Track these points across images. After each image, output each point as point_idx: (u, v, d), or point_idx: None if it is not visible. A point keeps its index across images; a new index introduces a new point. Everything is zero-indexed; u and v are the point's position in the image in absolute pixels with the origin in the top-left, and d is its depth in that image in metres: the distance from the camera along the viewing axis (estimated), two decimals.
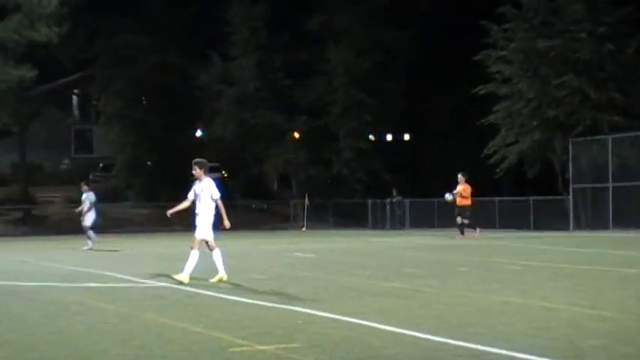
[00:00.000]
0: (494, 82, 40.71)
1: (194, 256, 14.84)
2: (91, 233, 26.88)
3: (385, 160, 49.85)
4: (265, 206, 53.71)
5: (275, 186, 57.96)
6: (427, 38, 49.89)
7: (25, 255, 24.95)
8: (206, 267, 15.42)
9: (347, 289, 13.84)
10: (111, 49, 50.89)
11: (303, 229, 44.76)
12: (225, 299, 12.55)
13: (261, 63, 51.24)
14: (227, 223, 14.94)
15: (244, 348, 8.40)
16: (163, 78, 50.60)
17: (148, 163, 52.53)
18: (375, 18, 50.43)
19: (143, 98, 53.08)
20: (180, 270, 14.93)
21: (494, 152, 40.60)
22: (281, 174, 54.97)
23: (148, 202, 48.88)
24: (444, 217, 39.46)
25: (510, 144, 40.25)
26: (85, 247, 26.31)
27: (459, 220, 30.55)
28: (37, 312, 11.51)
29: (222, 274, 14.94)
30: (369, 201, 47.74)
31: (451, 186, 31.48)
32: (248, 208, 53.15)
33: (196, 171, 14.98)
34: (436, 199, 40.99)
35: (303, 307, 11.30)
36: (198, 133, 57.65)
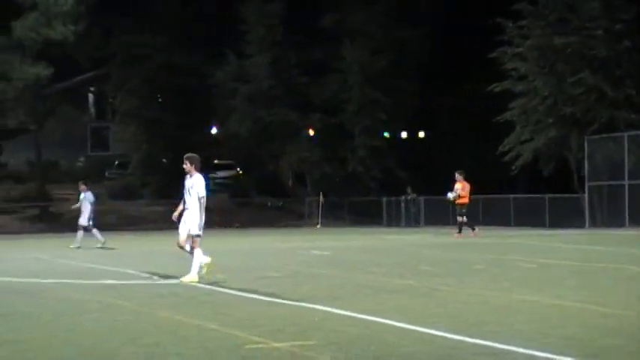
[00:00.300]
0: (510, 79, 40.58)
1: (197, 254, 14.70)
2: (80, 233, 26.76)
3: (400, 157, 49.78)
4: (280, 204, 53.73)
5: (290, 183, 57.95)
6: (442, 36, 49.78)
7: (41, 252, 25.04)
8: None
9: (363, 286, 13.83)
10: (126, 47, 50.97)
11: (318, 226, 44.76)
12: (241, 297, 12.55)
13: (276, 61, 51.24)
14: (202, 223, 14.69)
15: (260, 345, 8.40)
16: (178, 76, 50.66)
17: (164, 160, 52.59)
18: (389, 16, 50.35)
19: (159, 96, 53.15)
20: (188, 271, 14.75)
21: (510, 150, 40.45)
22: (296, 172, 54.97)
23: (163, 199, 48.98)
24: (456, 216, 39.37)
25: (525, 141, 40.10)
26: (98, 245, 26.23)
27: (459, 218, 30.47)
28: (52, 309, 11.54)
29: (200, 268, 14.70)
30: (384, 199, 47.69)
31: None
32: (263, 205, 53.20)
33: (187, 166, 14.87)
34: None
35: (319, 304, 11.29)
36: (214, 131, 57.70)
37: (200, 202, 14.65)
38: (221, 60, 51.72)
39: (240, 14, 51.12)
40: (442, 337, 8.77)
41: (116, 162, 60.07)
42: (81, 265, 19.73)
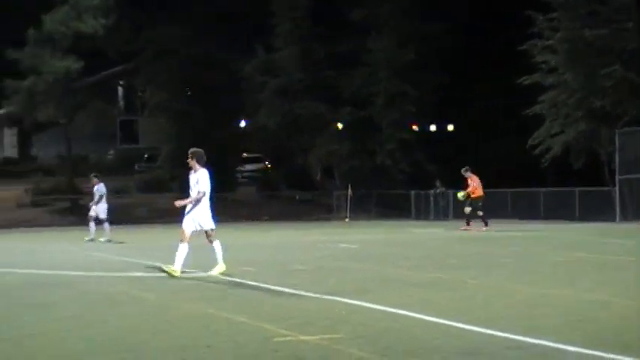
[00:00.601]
0: (540, 72, 40.32)
1: (217, 246, 14.79)
2: (106, 225, 26.87)
3: (428, 150, 49.63)
4: (309, 197, 53.75)
5: (318, 177, 57.95)
6: (471, 28, 49.53)
7: (71, 245, 25.24)
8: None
9: (391, 280, 13.82)
10: (156, 41, 51.15)
11: (346, 220, 44.75)
12: (269, 290, 12.58)
13: (304, 54, 51.24)
14: (179, 203, 14.89)
15: (288, 338, 8.42)
16: (207, 70, 50.78)
17: None
18: (416, 8, 50.14)
19: (187, 89, 53.31)
20: (216, 263, 14.79)
21: (539, 143, 40.22)
22: (324, 165, 54.95)
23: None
24: (486, 208, 39.20)
25: (555, 135, 39.85)
26: (102, 239, 26.21)
27: (479, 213, 30.48)
28: (83, 301, 11.63)
29: (177, 268, 14.47)
30: (413, 192, 47.58)
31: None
32: (291, 198, 53.25)
33: (191, 161, 14.85)
34: None
35: (347, 298, 11.30)
36: (242, 124, 57.80)
37: (198, 195, 14.61)
38: (250, 53, 51.78)
39: (268, 7, 51.15)
40: (470, 330, 8.75)
41: (145, 155, 60.34)
42: (110, 257, 19.86)
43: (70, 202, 47.79)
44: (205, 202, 14.77)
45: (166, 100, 52.00)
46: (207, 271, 14.85)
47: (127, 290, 12.84)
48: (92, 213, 26.99)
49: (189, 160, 14.91)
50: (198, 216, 14.74)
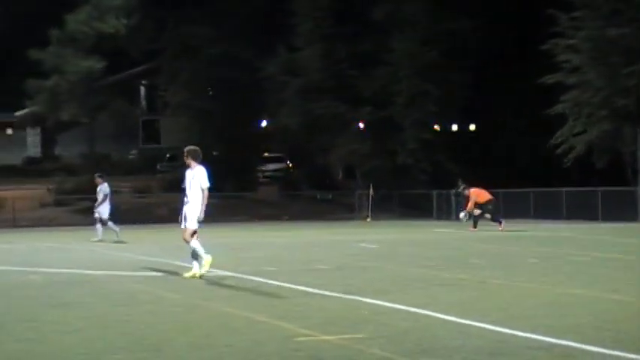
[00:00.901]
0: (563, 71, 40.15)
1: (196, 245, 14.45)
2: (111, 224, 26.87)
3: (450, 150, 49.50)
4: (330, 196, 53.74)
5: (340, 176, 57.92)
6: (493, 27, 49.33)
7: (94, 244, 25.33)
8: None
9: (412, 280, 13.80)
10: (177, 40, 51.31)
11: (368, 219, 44.71)
12: (290, 289, 12.58)
13: (326, 53, 51.20)
14: (201, 216, 14.57)
15: (309, 338, 8.42)
16: (229, 69, 50.84)
17: (214, 153, 52.89)
18: (439, 7, 50.01)
19: (209, 89, 53.41)
20: (194, 264, 14.49)
21: (562, 142, 40.05)
22: (346, 164, 54.91)
23: (213, 192, 49.20)
24: (508, 209, 39.07)
25: (578, 134, 39.68)
26: (94, 239, 26.17)
27: (487, 215, 30.43)
28: (106, 300, 11.68)
29: (195, 270, 14.39)
30: (434, 192, 47.46)
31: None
32: (313, 198, 53.25)
33: (187, 159, 14.75)
34: (501, 190, 40.57)
35: (368, 297, 11.29)
36: (264, 124, 57.84)
37: (203, 194, 14.52)
38: (271, 53, 51.83)
39: (289, 7, 51.19)
40: (492, 330, 8.72)
41: (167, 155, 60.51)
42: (132, 256, 19.93)
43: (92, 201, 47.89)
44: (198, 201, 14.55)
45: (189, 99, 52.11)
46: (225, 270, 14.86)
47: (148, 289, 12.89)
48: (97, 215, 26.94)
49: (185, 158, 14.78)
50: (188, 213, 14.55)
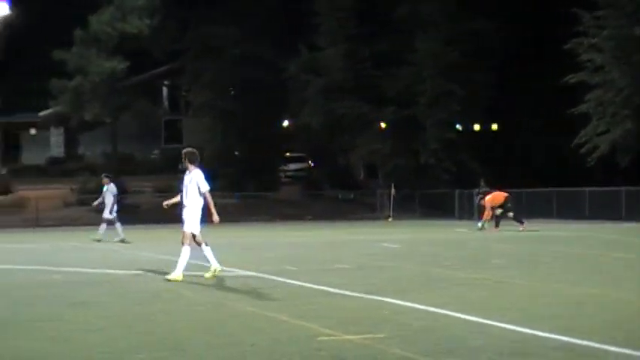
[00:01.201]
0: (586, 70, 39.97)
1: (185, 252, 14.16)
2: (103, 226, 26.96)
3: (473, 150, 49.37)
4: (352, 196, 53.74)
5: (361, 176, 57.92)
6: (516, 27, 49.16)
7: (117, 244, 25.46)
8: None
9: (433, 279, 13.81)
10: (200, 40, 51.46)
11: (390, 219, 44.68)
12: (312, 289, 12.62)
13: (348, 53, 51.22)
14: (216, 217, 14.35)
15: (331, 337, 8.46)
16: (251, 69, 50.95)
17: (236, 153, 53.02)
18: (462, 7, 49.90)
19: (232, 89, 53.54)
20: (174, 268, 14.27)
21: (585, 142, 39.88)
22: (368, 164, 54.89)
23: (235, 191, 49.35)
24: (532, 208, 38.95)
25: (602, 133, 39.50)
26: (116, 239, 26.21)
27: (510, 214, 30.40)
28: (128, 300, 11.76)
29: (215, 266, 14.33)
30: (456, 191, 47.37)
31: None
32: (334, 198, 53.26)
33: (184, 162, 14.42)
34: (524, 190, 40.47)
35: (389, 297, 11.31)
36: (285, 124, 57.90)
37: (206, 197, 14.26)
38: (293, 53, 51.90)
39: (311, 7, 51.23)
40: (512, 330, 8.73)
41: None
42: (154, 256, 20.03)
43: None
44: (198, 205, 14.34)
45: (211, 99, 52.26)
46: (247, 269, 14.91)
47: (170, 288, 12.96)
48: (107, 215, 26.94)
49: (183, 160, 14.48)
50: (188, 217, 14.32)
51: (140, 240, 26.65)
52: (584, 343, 7.96)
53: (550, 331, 8.50)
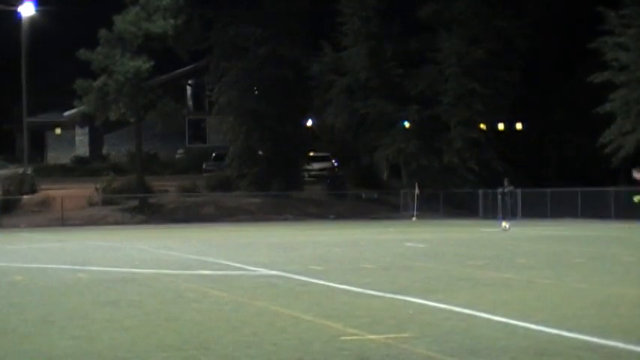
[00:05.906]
0: (611, 69, 39.71)
1: None
2: None
3: (497, 149, 49.19)
4: (375, 196, 53.70)
5: (385, 175, 57.86)
6: (541, 26, 48.97)
7: (142, 243, 25.58)
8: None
9: (458, 279, 13.76)
10: (225, 40, 51.60)
11: (414, 218, 44.62)
12: (336, 288, 12.61)
13: (372, 52, 51.18)
14: None
15: (355, 337, 8.44)
16: (276, 68, 51.04)
17: (260, 152, 53.10)
18: (488, 6, 49.75)
19: (255, 88, 53.64)
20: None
21: (610, 141, 39.62)
22: (391, 163, 54.83)
23: (259, 191, 49.44)
24: (557, 208, 38.76)
25: (627, 133, 39.23)
26: None
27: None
28: (154, 299, 11.80)
29: None
30: (480, 191, 47.21)
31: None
32: (358, 197, 53.23)
33: None
34: (549, 189, 40.28)
35: (414, 297, 11.28)
36: (309, 123, 57.90)
37: None
38: (318, 52, 51.92)
39: (336, 6, 51.24)
40: (538, 330, 8.68)
41: (213, 154, 60.85)
42: (180, 255, 20.10)
43: (139, 200, 48.45)
44: None
45: (235, 98, 52.38)
46: (272, 268, 14.91)
47: (195, 287, 12.99)
48: None
49: None
50: None
51: (165, 238, 26.72)
52: (611, 343, 7.90)
53: (576, 332, 8.44)
